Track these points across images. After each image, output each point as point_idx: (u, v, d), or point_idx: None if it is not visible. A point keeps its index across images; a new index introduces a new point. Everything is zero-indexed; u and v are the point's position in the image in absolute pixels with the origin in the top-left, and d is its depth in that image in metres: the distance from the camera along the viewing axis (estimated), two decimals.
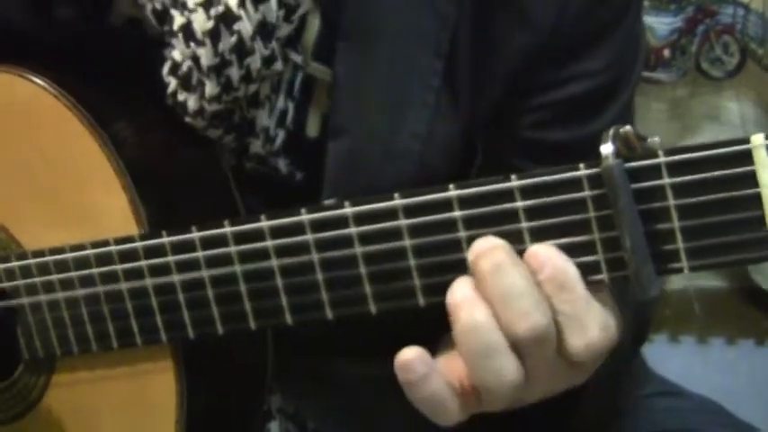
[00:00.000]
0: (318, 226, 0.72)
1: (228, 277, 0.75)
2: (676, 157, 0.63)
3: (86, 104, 0.82)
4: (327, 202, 0.73)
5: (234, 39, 0.79)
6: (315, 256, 0.72)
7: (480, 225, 0.68)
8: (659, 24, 1.62)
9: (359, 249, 0.71)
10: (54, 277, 0.82)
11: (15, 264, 0.84)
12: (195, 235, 0.76)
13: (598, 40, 0.85)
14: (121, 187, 0.81)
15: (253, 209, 0.85)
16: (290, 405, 0.95)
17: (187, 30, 0.80)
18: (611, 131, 0.65)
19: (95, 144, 0.82)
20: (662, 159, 0.63)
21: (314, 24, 0.84)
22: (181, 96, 0.82)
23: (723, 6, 1.64)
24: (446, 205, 0.69)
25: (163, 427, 0.82)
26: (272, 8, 0.80)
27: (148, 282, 0.78)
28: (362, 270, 0.71)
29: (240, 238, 0.75)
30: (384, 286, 0.71)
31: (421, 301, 0.70)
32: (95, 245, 0.80)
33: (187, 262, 0.77)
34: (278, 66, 0.82)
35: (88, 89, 0.84)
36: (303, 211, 0.72)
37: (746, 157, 0.61)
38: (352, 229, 0.71)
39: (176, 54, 0.81)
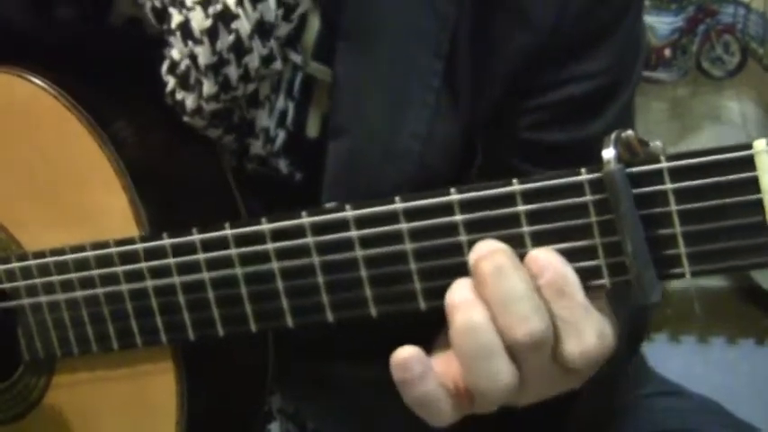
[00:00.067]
0: (319, 229, 0.72)
1: (229, 279, 0.75)
2: (678, 163, 0.63)
3: (86, 104, 0.82)
4: (328, 205, 0.73)
5: (232, 37, 0.79)
6: (315, 259, 0.72)
7: (481, 229, 0.68)
8: (660, 24, 1.62)
9: (360, 252, 0.71)
10: (54, 278, 0.82)
11: (16, 265, 0.84)
12: (196, 237, 0.76)
13: (598, 40, 0.85)
14: (121, 187, 0.81)
15: (253, 209, 0.85)
16: (291, 405, 0.95)
17: (185, 28, 0.80)
18: (613, 136, 0.65)
19: (95, 144, 0.81)
20: (664, 165, 0.63)
21: (314, 24, 0.84)
22: (179, 95, 0.82)
23: (724, 6, 1.64)
24: (447, 209, 0.68)
25: (163, 429, 0.82)
26: (271, 7, 0.80)
27: (149, 283, 0.78)
28: (363, 273, 0.71)
29: (241, 240, 0.75)
30: (385, 289, 0.71)
31: (422, 304, 0.70)
32: (95, 246, 0.80)
33: (188, 264, 0.77)
34: (277, 65, 0.82)
35: (88, 89, 0.84)
36: (304, 213, 0.72)
37: (748, 163, 0.61)
38: (353, 233, 0.71)
39: (175, 53, 0.81)
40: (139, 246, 0.78)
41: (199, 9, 0.79)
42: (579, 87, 0.85)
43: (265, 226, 0.73)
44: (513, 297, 0.66)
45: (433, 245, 0.69)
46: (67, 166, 0.83)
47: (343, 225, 0.71)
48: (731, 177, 0.62)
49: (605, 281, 0.66)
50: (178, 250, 0.77)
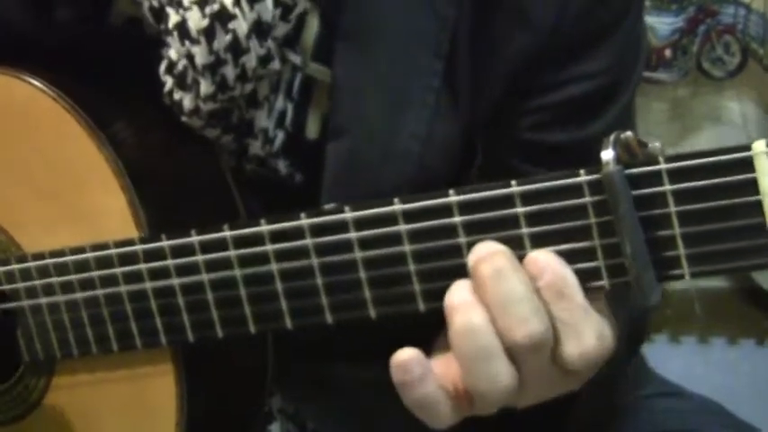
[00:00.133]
0: (318, 230, 0.72)
1: (228, 281, 0.75)
2: (677, 164, 0.63)
3: (85, 106, 0.82)
4: (327, 206, 0.73)
5: (229, 37, 0.79)
6: (315, 261, 0.72)
7: (480, 231, 0.68)
8: (660, 24, 1.62)
9: (359, 254, 0.71)
10: (54, 280, 0.82)
11: (15, 266, 0.84)
12: (195, 239, 0.76)
13: (598, 41, 0.85)
14: (120, 188, 0.81)
15: (252, 210, 0.85)
16: (291, 405, 0.95)
17: (182, 28, 0.80)
18: (612, 137, 0.65)
19: (94, 145, 0.81)
20: (663, 166, 0.63)
21: (313, 25, 0.84)
22: (177, 95, 0.82)
23: (724, 6, 1.64)
24: (446, 210, 0.68)
25: (163, 430, 0.82)
26: (268, 7, 0.80)
27: (148, 285, 0.78)
28: (362, 275, 0.71)
29: (240, 241, 0.74)
30: (384, 291, 0.71)
31: (421, 306, 0.70)
32: (95, 248, 0.80)
33: (187, 265, 0.76)
34: (275, 65, 0.82)
35: (87, 90, 0.84)
36: (303, 215, 0.72)
37: (748, 164, 0.61)
38: (352, 234, 0.71)
39: (172, 53, 0.81)
40: (138, 247, 0.78)
41: (196, 9, 0.79)
42: (579, 88, 0.85)
43: (264, 227, 0.73)
44: (513, 299, 0.65)
45: (432, 246, 0.69)
46: (66, 167, 0.83)
47: (342, 226, 0.71)
48: (730, 179, 0.62)
49: (604, 282, 0.66)
50: (177, 252, 0.77)
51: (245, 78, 0.81)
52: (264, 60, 0.81)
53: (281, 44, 0.82)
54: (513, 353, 0.66)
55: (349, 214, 0.71)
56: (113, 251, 0.79)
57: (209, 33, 0.79)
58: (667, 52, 1.64)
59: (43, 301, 0.83)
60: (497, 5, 0.83)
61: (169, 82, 0.82)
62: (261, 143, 0.85)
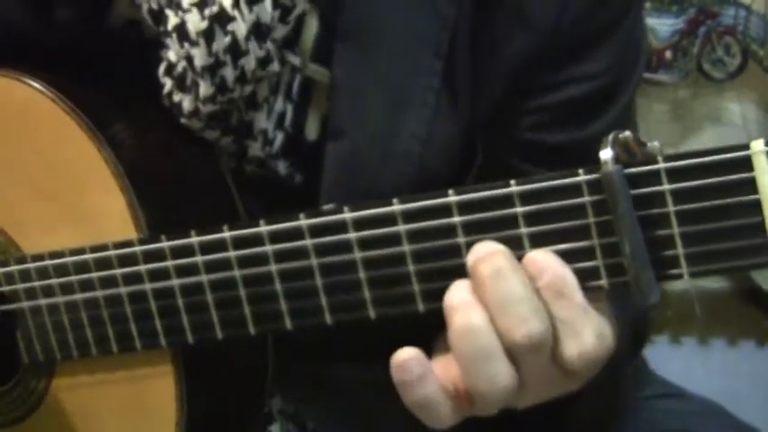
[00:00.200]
0: (317, 231, 0.72)
1: (228, 282, 0.75)
2: (676, 163, 0.63)
3: (84, 107, 0.82)
4: (326, 207, 0.72)
5: (228, 39, 0.79)
6: (314, 261, 0.72)
7: (480, 231, 0.68)
8: (661, 26, 1.62)
9: (358, 254, 0.71)
10: (53, 281, 0.82)
11: (15, 268, 0.84)
12: (194, 239, 0.76)
13: (598, 41, 0.85)
14: (120, 189, 0.81)
15: (252, 211, 0.85)
16: (291, 406, 0.95)
17: (181, 30, 0.80)
18: (611, 137, 0.64)
19: (93, 147, 0.81)
20: (661, 165, 0.63)
21: (312, 26, 0.84)
22: (176, 97, 0.82)
23: (725, 8, 1.63)
24: (445, 211, 0.68)
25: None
26: (267, 9, 0.80)
27: (148, 286, 0.78)
28: (362, 275, 0.71)
29: (239, 242, 0.74)
30: (383, 291, 0.71)
31: (420, 306, 0.70)
32: (94, 249, 0.80)
33: (186, 266, 0.76)
34: (274, 67, 0.82)
35: (86, 92, 0.84)
36: (302, 216, 0.72)
37: (746, 164, 0.61)
38: (352, 235, 0.71)
39: (171, 54, 0.81)
40: (138, 248, 0.78)
41: (195, 11, 0.79)
42: (579, 88, 0.85)
43: (263, 228, 0.73)
44: (512, 299, 0.65)
45: (432, 246, 0.69)
46: (66, 168, 0.83)
47: (341, 227, 0.71)
48: (729, 178, 0.62)
49: (603, 282, 0.66)
50: (176, 253, 0.77)
51: (244, 80, 0.81)
52: (264, 62, 0.81)
53: (280, 46, 0.82)
54: (513, 353, 0.66)
55: (348, 215, 0.71)
56: (113, 252, 0.79)
57: (208, 35, 0.79)
58: (668, 54, 1.64)
59: (43, 302, 0.83)
60: (497, 5, 0.83)
61: (168, 84, 0.82)
62: (260, 144, 0.85)
